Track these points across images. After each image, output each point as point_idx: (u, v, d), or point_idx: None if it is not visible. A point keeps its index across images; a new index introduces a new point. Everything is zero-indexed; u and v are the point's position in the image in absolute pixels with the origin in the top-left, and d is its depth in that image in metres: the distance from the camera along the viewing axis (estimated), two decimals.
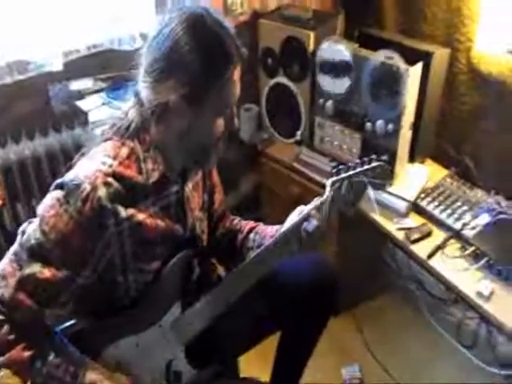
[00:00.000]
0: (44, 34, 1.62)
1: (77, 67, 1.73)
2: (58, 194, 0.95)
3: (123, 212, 0.97)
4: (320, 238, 1.15)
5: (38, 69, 1.63)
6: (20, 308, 0.95)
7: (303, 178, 1.94)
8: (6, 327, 0.94)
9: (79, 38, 1.71)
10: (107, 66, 1.82)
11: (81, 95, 1.77)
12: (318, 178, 1.88)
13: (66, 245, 0.95)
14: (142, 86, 0.98)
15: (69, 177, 0.96)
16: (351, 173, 1.14)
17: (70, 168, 1.00)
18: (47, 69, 1.65)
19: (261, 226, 1.30)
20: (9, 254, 0.98)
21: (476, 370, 1.78)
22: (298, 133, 2.00)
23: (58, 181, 0.97)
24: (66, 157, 1.68)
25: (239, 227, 1.33)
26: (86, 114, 1.70)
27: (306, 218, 1.12)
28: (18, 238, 0.98)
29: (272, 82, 2.02)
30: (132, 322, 1.08)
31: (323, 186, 1.76)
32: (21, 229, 1.00)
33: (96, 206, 0.93)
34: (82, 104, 1.74)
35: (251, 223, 1.33)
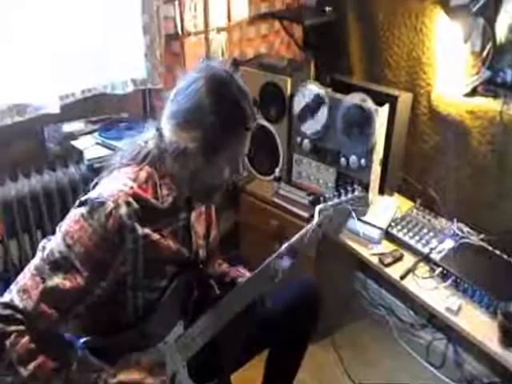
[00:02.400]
0: (42, 78, 1.70)
1: (71, 110, 1.82)
2: (82, 210, 1.04)
3: (140, 230, 1.06)
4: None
5: (36, 111, 1.71)
6: (41, 318, 1.01)
7: (282, 212, 2.04)
8: (26, 337, 0.99)
9: (75, 82, 1.81)
10: (100, 109, 1.93)
11: (74, 136, 1.86)
12: (296, 210, 2.00)
13: (89, 257, 1.02)
14: (166, 126, 1.10)
15: (93, 195, 1.05)
16: (337, 201, 1.28)
17: (92, 188, 1.10)
18: (45, 111, 1.73)
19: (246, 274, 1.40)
20: (30, 269, 1.04)
21: None
22: (277, 170, 2.11)
23: (82, 198, 1.06)
24: (61, 193, 1.76)
25: (227, 271, 1.43)
26: (81, 152, 1.78)
27: (279, 255, 1.24)
28: (39, 253, 1.05)
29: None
30: (139, 338, 1.15)
31: (302, 219, 1.93)
32: (40, 245, 1.08)
33: (118, 222, 1.02)
34: (77, 143, 1.83)
35: (238, 273, 1.43)
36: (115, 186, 1.06)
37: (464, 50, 1.74)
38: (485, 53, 1.69)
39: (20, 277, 1.04)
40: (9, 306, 1.00)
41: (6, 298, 1.01)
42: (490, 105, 1.68)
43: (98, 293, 1.06)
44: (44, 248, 1.06)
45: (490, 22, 1.64)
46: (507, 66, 1.65)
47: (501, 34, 1.64)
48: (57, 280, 1.01)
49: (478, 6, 1.62)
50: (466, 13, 1.65)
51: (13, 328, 0.98)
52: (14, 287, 1.03)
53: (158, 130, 1.12)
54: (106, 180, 1.12)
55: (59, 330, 1.08)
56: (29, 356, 0.99)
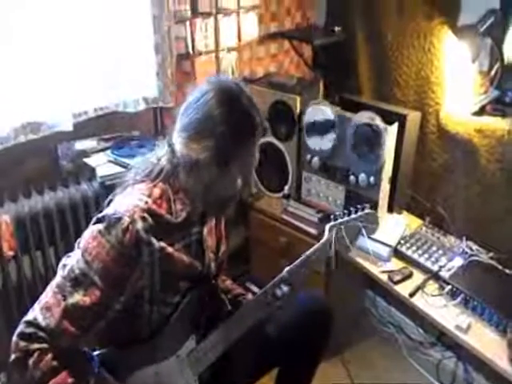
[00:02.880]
0: (56, 97, 1.74)
1: (84, 128, 1.86)
2: (99, 226, 1.06)
3: (156, 244, 1.08)
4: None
5: (50, 129, 1.75)
6: (64, 335, 1.03)
7: (291, 229, 2.06)
8: (50, 355, 1.01)
9: (88, 101, 1.85)
10: (112, 127, 1.97)
11: (86, 154, 1.90)
12: (305, 227, 2.01)
13: (108, 272, 1.04)
14: (177, 140, 1.12)
15: (109, 211, 1.07)
16: (347, 218, 1.29)
17: (107, 205, 1.13)
18: (58, 129, 1.77)
19: (249, 296, 1.42)
20: (52, 287, 1.06)
21: None
22: (286, 187, 2.13)
23: (99, 215, 1.08)
24: (74, 210, 1.78)
25: (230, 287, 1.45)
26: (93, 169, 1.81)
27: (278, 283, 1.26)
28: (60, 272, 1.08)
29: (261, 141, 2.18)
30: (153, 352, 1.16)
31: (311, 236, 1.94)
32: (61, 263, 1.10)
33: (134, 236, 1.04)
34: (90, 161, 1.86)
35: (240, 290, 1.45)
36: (130, 201, 1.09)
37: (472, 70, 1.76)
38: (493, 72, 1.71)
39: (42, 295, 1.06)
40: (32, 324, 1.02)
41: (30, 316, 1.03)
42: (498, 124, 1.69)
43: (118, 307, 1.07)
44: (65, 266, 1.08)
45: (498, 42, 1.66)
46: None
47: (509, 54, 1.66)
48: (77, 297, 1.03)
49: (485, 26, 1.65)
50: (474, 33, 1.67)
51: (36, 346, 1.00)
52: (37, 306, 1.05)
53: (170, 145, 1.14)
54: (120, 196, 1.14)
55: (80, 347, 1.10)
56: (51, 373, 1.00)
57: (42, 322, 1.02)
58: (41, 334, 1.01)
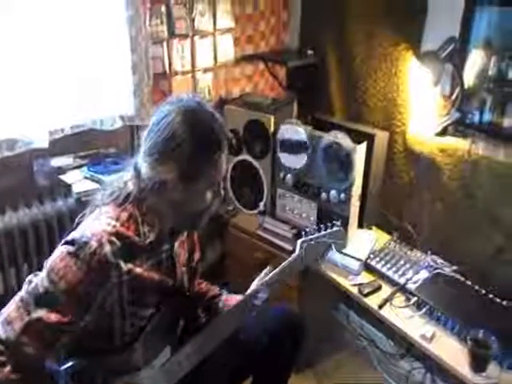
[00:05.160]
0: (32, 114, 1.76)
1: (60, 145, 1.87)
2: (69, 248, 1.07)
3: (124, 266, 1.10)
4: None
5: (25, 146, 1.76)
6: (24, 350, 1.03)
7: (267, 245, 2.09)
8: (8, 367, 1.01)
9: (65, 118, 1.86)
10: (88, 145, 1.99)
11: (62, 171, 1.91)
12: (280, 243, 2.05)
13: (73, 292, 1.06)
14: (143, 164, 1.13)
15: (77, 234, 1.09)
16: (317, 235, 1.36)
17: (75, 228, 1.14)
18: (34, 146, 1.78)
19: (224, 296, 1.46)
20: (15, 301, 1.07)
21: None
22: (261, 204, 2.18)
23: (68, 238, 1.09)
24: (49, 226, 1.79)
25: (206, 289, 1.48)
26: (69, 186, 1.83)
27: (255, 293, 1.31)
28: (25, 286, 1.09)
29: (236, 159, 2.22)
30: (126, 363, 1.17)
31: (286, 252, 1.98)
32: (27, 279, 1.11)
33: (102, 260, 1.06)
34: (65, 177, 1.87)
35: (216, 291, 1.49)
36: (98, 225, 1.10)
37: (435, 93, 1.86)
38: (454, 96, 1.81)
39: (4, 309, 1.07)
40: None
41: None
42: (459, 144, 1.79)
43: (82, 325, 1.09)
44: (31, 282, 1.09)
45: (458, 68, 1.76)
46: (475, 109, 1.76)
47: (468, 79, 1.76)
48: (41, 313, 1.04)
49: (445, 52, 1.74)
50: (436, 58, 1.76)
51: None
52: None
53: (136, 168, 1.16)
54: (88, 219, 1.15)
55: (45, 362, 1.10)
56: None
57: (1, 334, 1.03)
58: (0, 347, 1.02)
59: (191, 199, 1.15)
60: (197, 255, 1.42)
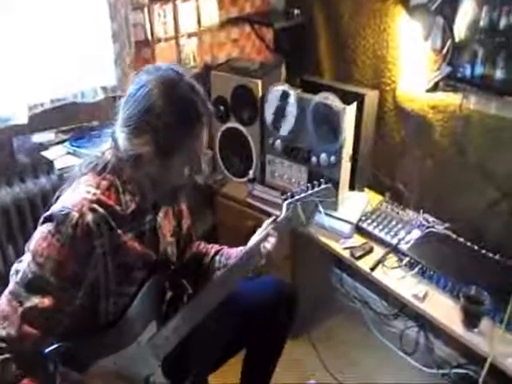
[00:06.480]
0: (10, 88, 1.71)
1: (41, 120, 1.82)
2: (49, 226, 1.04)
3: (107, 235, 1.07)
4: (277, 256, 1.30)
5: (3, 122, 1.71)
6: (26, 340, 1.01)
7: (257, 212, 2.07)
8: (12, 365, 0.99)
9: (44, 92, 1.81)
10: (70, 118, 1.93)
11: (44, 147, 1.86)
12: (270, 210, 2.02)
13: (62, 271, 1.03)
14: (120, 134, 1.09)
15: (56, 208, 1.05)
16: (303, 195, 1.31)
17: (55, 202, 1.10)
18: (13, 122, 1.73)
19: (225, 249, 1.43)
20: (5, 296, 1.04)
21: (418, 373, 1.98)
22: (251, 171, 2.16)
23: (46, 214, 1.06)
24: (33, 204, 1.75)
25: (205, 250, 1.45)
26: (51, 162, 1.78)
27: (265, 237, 1.27)
28: (13, 277, 1.05)
29: (224, 127, 2.19)
30: (111, 342, 1.16)
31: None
32: (13, 269, 1.08)
33: (85, 230, 1.03)
34: (47, 154, 1.83)
35: (216, 246, 1.46)
36: (78, 195, 1.07)
37: (425, 48, 1.79)
38: (445, 50, 1.74)
39: None
40: None
41: None
42: (450, 99, 1.74)
43: (78, 303, 1.07)
44: (17, 271, 1.06)
45: (449, 21, 1.69)
46: (466, 62, 1.70)
47: (459, 32, 1.69)
48: (35, 300, 1.02)
49: (435, 4, 1.68)
50: (426, 12, 1.70)
51: None
52: None
53: (114, 139, 1.12)
54: (67, 192, 1.11)
55: (44, 347, 1.07)
56: (16, 381, 0.99)
57: (1, 332, 1.00)
58: (2, 344, 0.99)
59: (168, 174, 1.11)
60: (186, 222, 1.39)
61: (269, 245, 1.26)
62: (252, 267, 1.28)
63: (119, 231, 1.10)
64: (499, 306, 1.37)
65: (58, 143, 1.88)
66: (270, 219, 1.33)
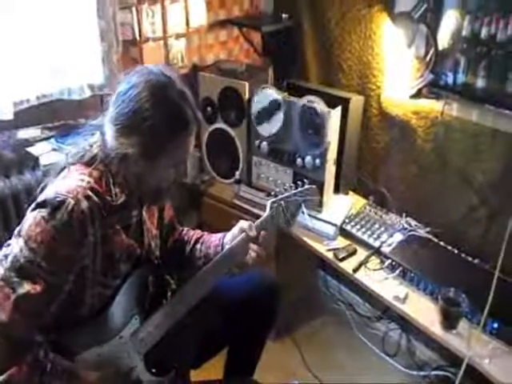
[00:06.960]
0: None
1: (26, 116, 1.81)
2: (42, 212, 1.04)
3: (99, 222, 1.08)
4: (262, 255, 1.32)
5: None
6: (19, 326, 1.02)
7: (243, 213, 2.08)
8: (4, 351, 1.00)
9: (30, 88, 1.80)
10: (56, 115, 1.93)
11: (30, 143, 1.85)
12: (257, 211, 2.02)
13: (54, 256, 1.04)
14: (107, 131, 1.11)
15: (50, 195, 1.05)
16: (287, 194, 1.33)
17: (40, 193, 1.10)
18: None
19: (205, 236, 1.45)
20: None
21: (399, 375, 2.02)
22: (237, 172, 2.17)
23: (39, 200, 1.06)
24: (17, 200, 1.74)
25: (187, 238, 1.46)
26: (37, 158, 1.77)
27: (248, 236, 1.30)
28: (2, 263, 1.05)
29: (211, 128, 2.20)
30: (94, 335, 1.17)
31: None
32: (1, 254, 1.07)
33: (80, 217, 1.04)
34: (33, 150, 1.82)
35: (197, 233, 1.47)
36: (71, 182, 1.08)
37: (409, 55, 1.83)
38: (428, 57, 1.78)
39: None
40: None
41: None
42: (432, 105, 1.77)
43: (67, 288, 1.07)
44: (6, 256, 1.05)
45: (431, 29, 1.73)
46: (448, 70, 1.74)
47: (442, 40, 1.73)
48: (27, 287, 1.02)
49: (419, 13, 1.72)
50: (409, 19, 1.73)
51: None
52: None
53: (102, 133, 1.13)
54: (58, 180, 1.12)
55: (34, 334, 1.08)
56: (9, 367, 1.00)
57: None
58: None
59: (152, 175, 1.13)
60: (168, 213, 1.41)
61: (255, 246, 1.29)
62: (235, 264, 1.30)
63: (109, 221, 1.11)
64: (477, 308, 1.40)
65: (43, 139, 1.87)
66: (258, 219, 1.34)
